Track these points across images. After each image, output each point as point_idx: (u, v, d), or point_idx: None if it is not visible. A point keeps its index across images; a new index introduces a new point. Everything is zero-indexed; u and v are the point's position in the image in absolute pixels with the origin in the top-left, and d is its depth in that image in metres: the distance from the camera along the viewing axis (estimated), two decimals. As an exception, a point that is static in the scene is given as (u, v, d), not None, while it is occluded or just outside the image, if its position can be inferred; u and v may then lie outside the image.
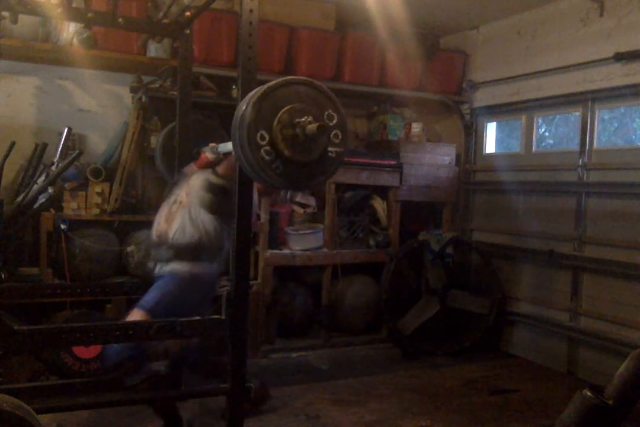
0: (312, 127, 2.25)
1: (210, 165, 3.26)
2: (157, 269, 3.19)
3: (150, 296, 3.02)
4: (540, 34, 4.87)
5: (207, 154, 3.29)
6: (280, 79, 2.38)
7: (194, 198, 3.12)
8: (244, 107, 2.28)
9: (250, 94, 2.30)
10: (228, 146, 3.13)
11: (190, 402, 3.41)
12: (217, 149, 3.29)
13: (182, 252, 3.08)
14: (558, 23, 4.70)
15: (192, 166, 3.36)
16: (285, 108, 2.30)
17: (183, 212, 3.13)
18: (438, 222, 5.51)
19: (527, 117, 5.11)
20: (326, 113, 2.38)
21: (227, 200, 2.91)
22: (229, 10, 4.59)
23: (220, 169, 3.03)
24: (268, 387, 3.65)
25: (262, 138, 2.26)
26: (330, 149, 2.40)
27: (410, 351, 4.80)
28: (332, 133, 2.39)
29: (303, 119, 2.29)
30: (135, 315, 2.95)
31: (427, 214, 5.59)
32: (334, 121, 2.40)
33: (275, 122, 2.28)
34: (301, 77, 2.43)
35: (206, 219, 3.10)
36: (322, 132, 2.29)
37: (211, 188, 3.04)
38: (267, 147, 2.27)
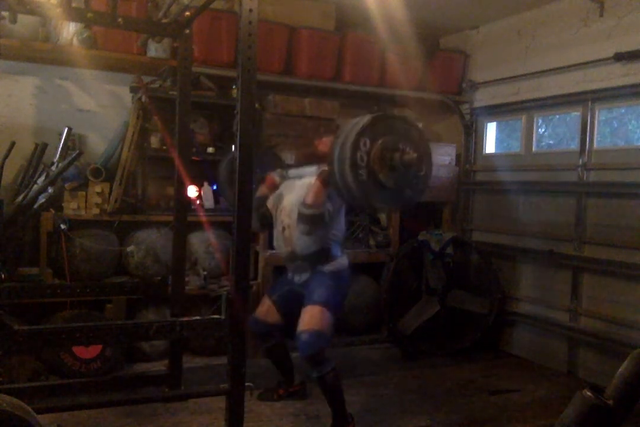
0: (413, 156, 2.59)
1: (274, 187, 3.59)
2: (297, 279, 3.53)
3: (320, 293, 3.33)
4: (540, 34, 4.87)
5: (275, 178, 3.59)
6: (406, 116, 2.83)
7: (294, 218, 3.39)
8: (364, 116, 2.66)
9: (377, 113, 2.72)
10: (299, 172, 3.53)
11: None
12: (286, 173, 3.60)
13: (316, 259, 3.42)
14: (558, 23, 4.70)
15: (262, 188, 3.58)
16: (398, 135, 2.67)
17: (296, 233, 3.39)
18: (438, 222, 5.51)
19: (527, 117, 5.11)
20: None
21: (324, 223, 3.30)
22: (228, 10, 4.59)
23: (308, 199, 3.23)
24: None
25: (364, 144, 2.57)
26: (407, 191, 2.76)
27: (410, 351, 4.80)
28: (416, 181, 2.77)
29: (407, 148, 2.62)
30: (316, 310, 3.27)
31: (427, 214, 5.59)
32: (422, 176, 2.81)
33: (381, 140, 2.60)
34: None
35: (319, 229, 3.34)
36: (419, 163, 2.64)
37: (305, 220, 3.27)
38: (363, 154, 2.57)
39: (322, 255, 3.41)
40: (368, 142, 2.57)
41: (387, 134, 2.65)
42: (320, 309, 3.27)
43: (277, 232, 3.57)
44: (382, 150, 2.59)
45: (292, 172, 3.61)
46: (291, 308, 3.48)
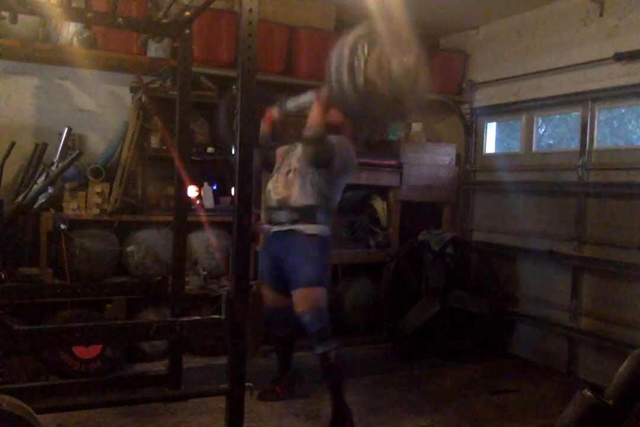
0: (410, 63, 2.52)
1: (273, 121, 3.58)
2: (275, 229, 3.50)
3: (308, 272, 3.34)
4: (540, 34, 4.87)
5: (274, 112, 3.59)
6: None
7: (303, 162, 3.40)
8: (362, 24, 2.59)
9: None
10: (297, 101, 3.47)
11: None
12: (284, 104, 3.57)
13: (305, 214, 3.39)
14: (558, 23, 4.70)
15: (262, 125, 3.59)
16: (395, 45, 2.59)
17: (300, 178, 3.42)
18: (438, 222, 5.51)
19: (527, 117, 5.11)
20: None
21: (327, 148, 3.29)
22: (228, 10, 4.59)
23: (309, 121, 3.28)
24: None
25: (362, 49, 2.51)
26: (404, 102, 2.68)
27: (410, 351, 4.79)
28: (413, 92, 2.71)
29: (404, 57, 2.55)
30: (310, 292, 3.30)
31: (427, 214, 5.59)
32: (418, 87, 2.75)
33: (379, 46, 2.55)
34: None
35: (322, 184, 3.40)
36: (416, 72, 2.58)
37: (308, 141, 3.32)
38: (361, 59, 2.49)
39: (311, 212, 3.40)
40: (366, 47, 2.53)
41: (385, 43, 2.61)
42: (313, 290, 3.32)
43: (279, 175, 3.56)
44: (380, 55, 2.54)
45: (290, 103, 3.58)
46: (287, 284, 3.48)
